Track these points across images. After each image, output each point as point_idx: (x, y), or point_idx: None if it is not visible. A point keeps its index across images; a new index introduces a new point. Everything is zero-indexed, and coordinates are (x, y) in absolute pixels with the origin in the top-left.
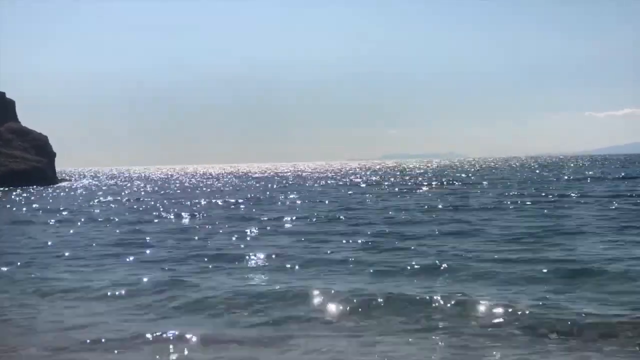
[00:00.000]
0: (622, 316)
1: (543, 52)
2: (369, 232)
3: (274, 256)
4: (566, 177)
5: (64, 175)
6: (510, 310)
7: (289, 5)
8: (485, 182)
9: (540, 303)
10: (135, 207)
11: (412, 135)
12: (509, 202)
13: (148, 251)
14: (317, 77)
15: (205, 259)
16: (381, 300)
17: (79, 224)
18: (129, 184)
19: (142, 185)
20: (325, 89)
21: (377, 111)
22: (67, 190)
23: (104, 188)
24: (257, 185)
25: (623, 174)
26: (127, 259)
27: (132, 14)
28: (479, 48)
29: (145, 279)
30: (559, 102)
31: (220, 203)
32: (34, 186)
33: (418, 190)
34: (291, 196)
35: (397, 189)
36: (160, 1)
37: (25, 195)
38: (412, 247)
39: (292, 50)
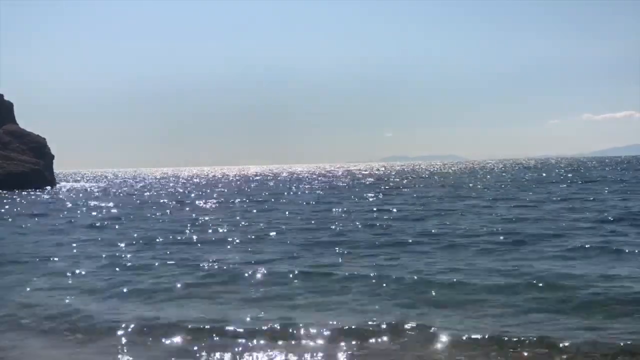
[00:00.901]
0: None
1: (542, 55)
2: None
3: None
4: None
5: (62, 177)
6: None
7: (293, 8)
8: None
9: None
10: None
11: (413, 138)
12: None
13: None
14: (318, 80)
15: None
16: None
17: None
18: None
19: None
20: (327, 91)
21: (378, 113)
22: (59, 193)
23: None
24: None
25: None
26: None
27: (132, 15)
28: (479, 50)
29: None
30: (558, 105)
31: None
32: (31, 189)
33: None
34: None
35: None
36: (161, 3)
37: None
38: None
39: (293, 53)
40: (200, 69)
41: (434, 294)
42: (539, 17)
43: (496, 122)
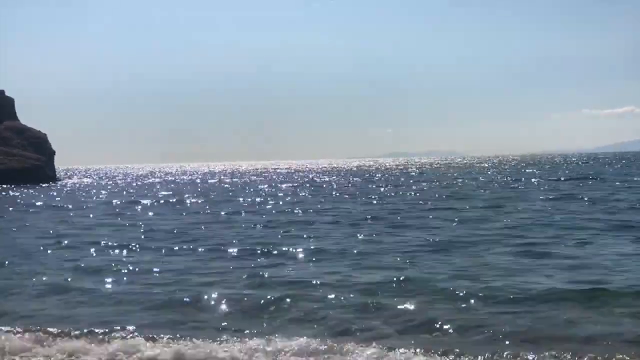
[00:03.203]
0: None
1: (543, 51)
2: None
3: None
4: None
5: (64, 173)
6: None
7: (294, 4)
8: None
9: None
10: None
11: (413, 134)
12: None
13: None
14: (319, 76)
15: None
16: None
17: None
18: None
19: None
20: (327, 88)
21: (379, 110)
22: (60, 188)
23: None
24: None
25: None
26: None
27: (133, 10)
28: (479, 46)
29: None
30: (558, 100)
31: None
32: (30, 184)
33: None
34: None
35: None
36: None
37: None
38: None
39: (292, 50)
40: (199, 65)
41: None
42: (539, 12)
43: (496, 118)
